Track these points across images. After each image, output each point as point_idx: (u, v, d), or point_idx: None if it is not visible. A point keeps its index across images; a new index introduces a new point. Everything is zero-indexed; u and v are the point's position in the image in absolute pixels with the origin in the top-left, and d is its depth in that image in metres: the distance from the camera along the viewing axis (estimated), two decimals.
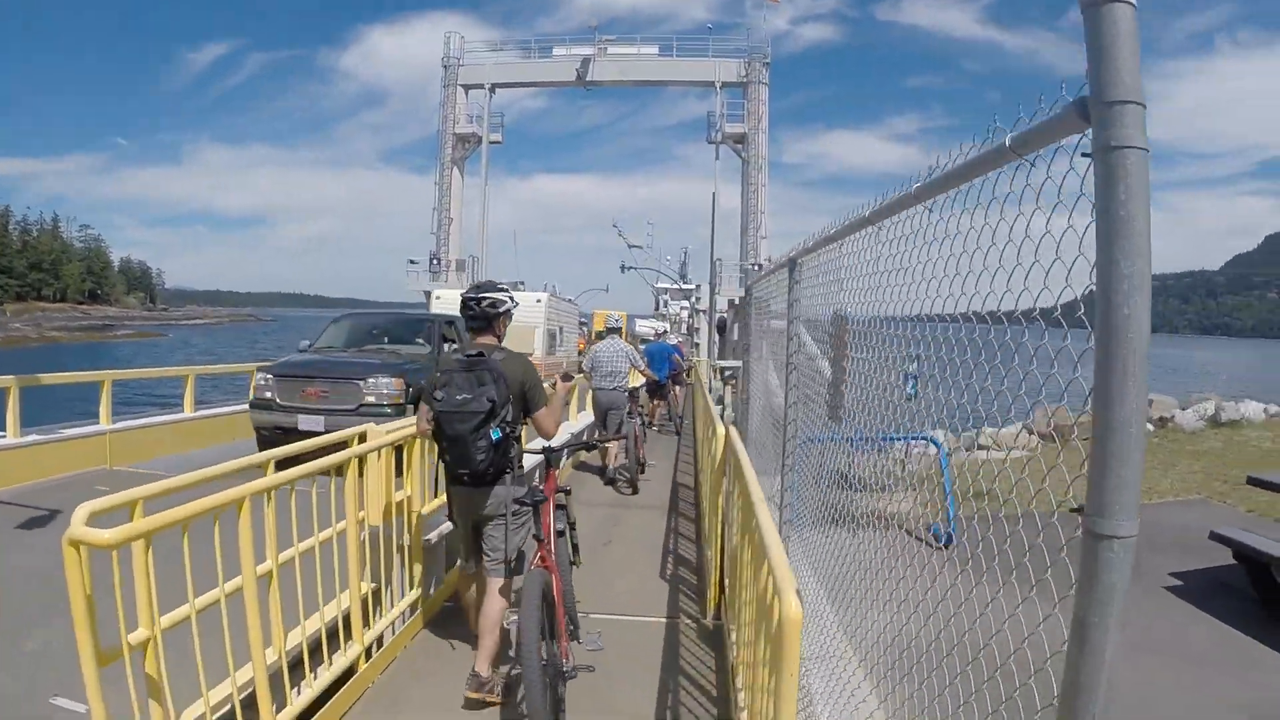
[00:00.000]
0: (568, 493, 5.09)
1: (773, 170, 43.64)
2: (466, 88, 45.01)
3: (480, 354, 4.56)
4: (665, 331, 34.61)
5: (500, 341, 4.78)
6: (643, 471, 11.62)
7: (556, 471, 4.92)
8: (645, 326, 49.95)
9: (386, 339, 12.33)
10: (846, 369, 3.99)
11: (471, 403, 4.40)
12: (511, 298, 4.84)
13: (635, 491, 10.81)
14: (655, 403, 16.88)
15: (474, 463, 4.44)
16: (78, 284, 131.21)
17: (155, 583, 2.95)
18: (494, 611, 4.57)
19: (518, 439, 4.70)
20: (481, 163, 44.95)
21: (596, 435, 11.71)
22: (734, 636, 4.46)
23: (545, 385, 4.84)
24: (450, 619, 5.66)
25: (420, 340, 12.18)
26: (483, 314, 4.70)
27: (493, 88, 44.90)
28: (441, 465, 4.81)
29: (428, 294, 44.58)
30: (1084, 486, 1.42)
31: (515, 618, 4.05)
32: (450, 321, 12.58)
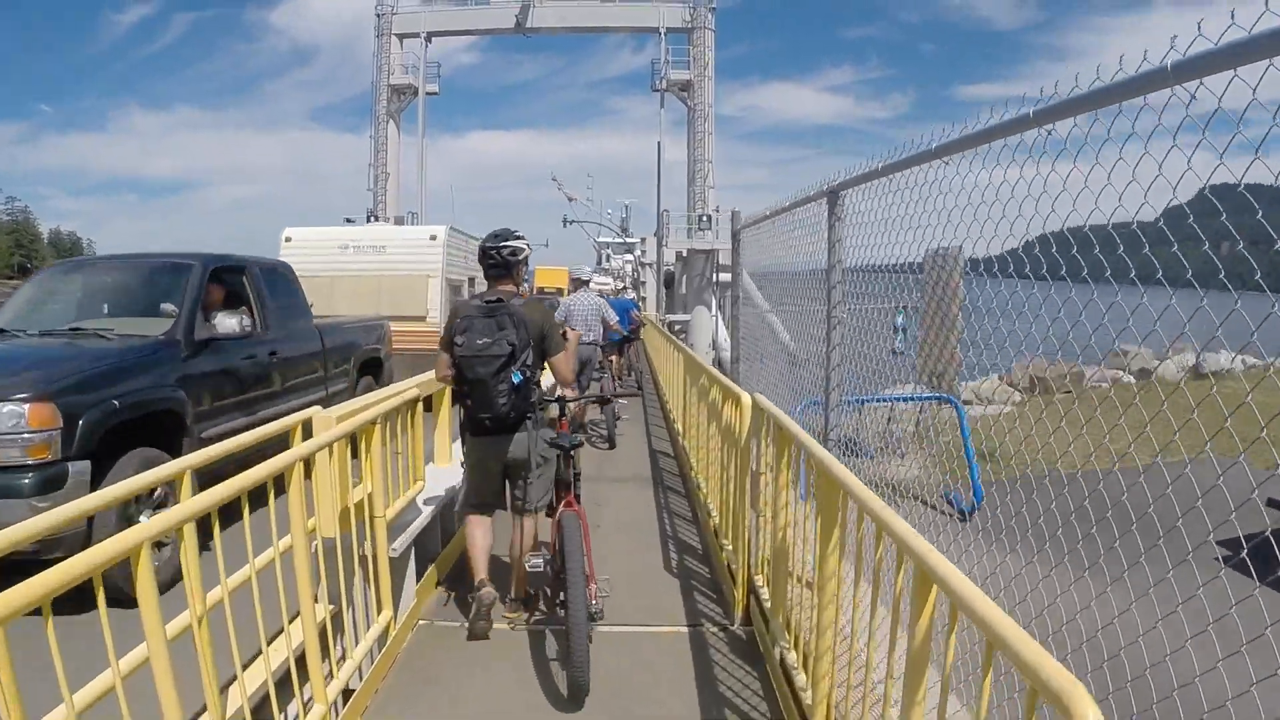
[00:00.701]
0: (580, 443, 5.01)
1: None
2: (401, 37, 43.21)
3: (499, 299, 4.61)
4: (625, 287, 33.69)
5: (518, 289, 4.89)
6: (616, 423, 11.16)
7: (567, 420, 5.14)
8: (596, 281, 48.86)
9: (108, 306, 7.39)
10: (957, 317, 3.19)
11: (492, 346, 4.46)
12: (529, 244, 4.97)
13: (613, 446, 10.59)
14: (618, 359, 16.14)
15: (496, 406, 4.51)
16: (5, 257, 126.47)
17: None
18: (527, 548, 4.76)
19: (537, 384, 4.81)
20: (419, 115, 43.43)
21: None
22: (786, 647, 3.93)
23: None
24: (428, 644, 4.71)
25: (167, 306, 6.92)
26: (503, 261, 4.80)
27: (429, 37, 43.18)
28: (460, 412, 4.83)
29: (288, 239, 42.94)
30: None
31: (538, 561, 4.48)
32: (242, 269, 7.95)
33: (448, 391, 5.74)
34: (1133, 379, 17.39)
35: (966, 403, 16.55)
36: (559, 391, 5.38)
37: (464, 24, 43.63)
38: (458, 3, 43.64)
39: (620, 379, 16.49)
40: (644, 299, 40.21)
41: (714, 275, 41.29)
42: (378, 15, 42.88)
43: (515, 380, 4.50)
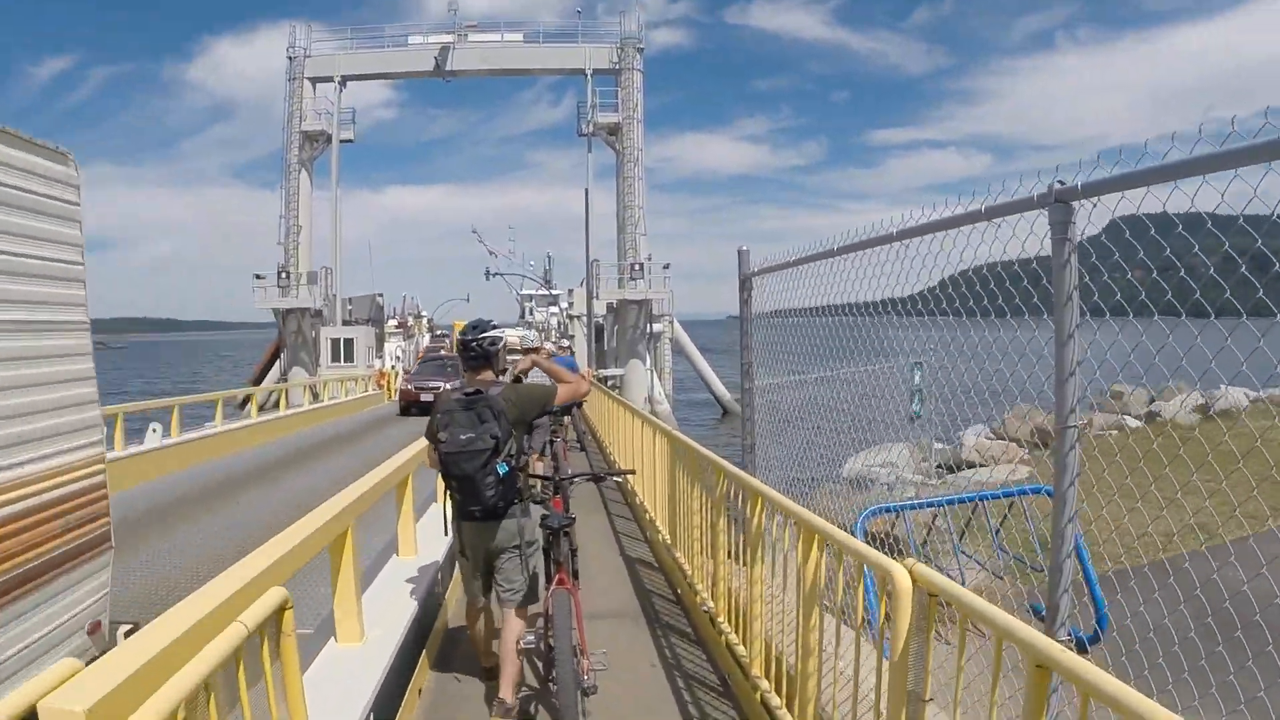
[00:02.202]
0: (572, 520, 5.08)
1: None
2: (314, 80, 41.09)
3: (478, 391, 4.69)
4: (567, 346, 31.97)
5: (497, 376, 4.96)
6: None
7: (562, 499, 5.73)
8: (513, 335, 47.11)
9: None
10: None
11: (476, 441, 4.53)
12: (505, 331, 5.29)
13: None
14: (567, 423, 14.61)
15: (484, 499, 4.59)
16: None
17: None
18: (513, 640, 4.69)
19: (523, 469, 4.80)
20: (332, 164, 41.04)
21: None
22: None
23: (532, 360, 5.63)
24: None
25: None
26: (482, 352, 4.90)
27: (343, 80, 41.11)
28: (450, 503, 4.83)
29: (276, 311, 40.57)
30: None
31: (531, 638, 4.67)
32: None
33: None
34: (1139, 423, 16.09)
35: (969, 464, 14.92)
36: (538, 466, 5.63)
37: (381, 66, 41.69)
38: (373, 44, 41.70)
39: (566, 444, 15.27)
40: (573, 353, 38.23)
41: (648, 326, 39.73)
42: (289, 58, 40.58)
43: (501, 472, 4.57)
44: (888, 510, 5.98)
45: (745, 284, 6.69)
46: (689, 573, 6.56)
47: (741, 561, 5.26)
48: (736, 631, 5.21)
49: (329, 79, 40.86)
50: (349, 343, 37.37)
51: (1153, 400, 20.00)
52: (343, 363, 36.25)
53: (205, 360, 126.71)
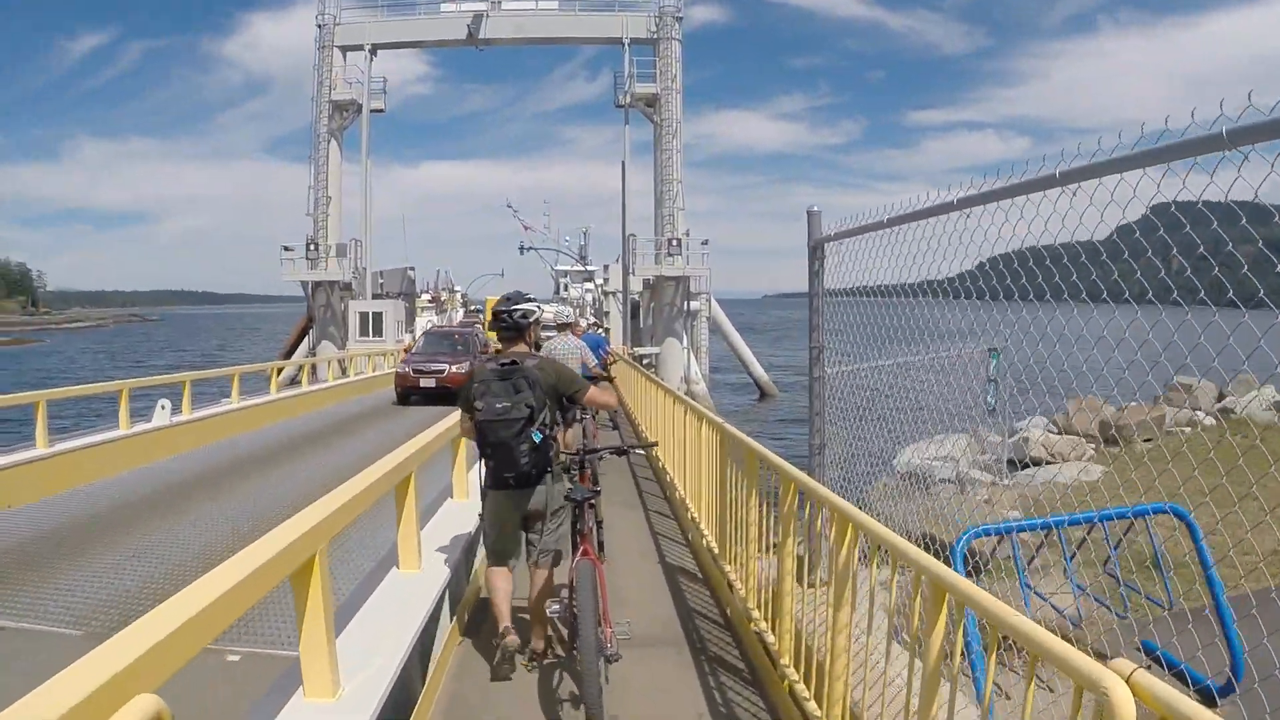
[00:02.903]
0: (598, 492, 5.34)
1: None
2: (344, 49, 40.03)
3: (514, 361, 4.80)
4: (596, 323, 30.93)
5: (531, 348, 5.10)
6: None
7: (589, 473, 5.73)
8: (548, 311, 46.27)
9: None
10: None
11: (511, 410, 4.65)
12: (539, 306, 5.21)
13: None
14: None
15: (519, 466, 4.71)
16: None
17: None
18: (541, 597, 4.93)
19: (554, 439, 4.91)
20: (362, 133, 40.09)
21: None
22: None
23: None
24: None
25: None
26: (514, 324, 5.00)
27: (373, 49, 40.02)
28: (483, 470, 4.91)
29: (305, 284, 39.76)
30: None
31: (557, 606, 4.79)
32: None
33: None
34: (1213, 419, 14.74)
35: (1036, 461, 13.69)
36: (576, 446, 5.82)
37: (412, 35, 40.57)
38: (405, 12, 40.62)
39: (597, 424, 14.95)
40: (607, 330, 37.21)
41: (685, 304, 38.51)
42: (319, 26, 39.61)
43: (535, 439, 4.69)
44: (993, 532, 4.93)
45: (816, 251, 5.60)
46: (741, 592, 5.57)
47: (806, 583, 4.79)
48: (807, 683, 4.19)
49: (359, 47, 39.83)
50: (378, 317, 36.53)
51: (1222, 395, 18.65)
52: (371, 337, 35.48)
53: (238, 333, 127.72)
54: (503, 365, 4.77)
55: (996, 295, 4.12)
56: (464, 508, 6.84)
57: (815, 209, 5.66)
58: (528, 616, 5.19)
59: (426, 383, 20.05)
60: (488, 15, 38.38)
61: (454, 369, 19.79)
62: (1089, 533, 5.04)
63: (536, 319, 5.10)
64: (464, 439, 6.19)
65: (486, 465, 4.85)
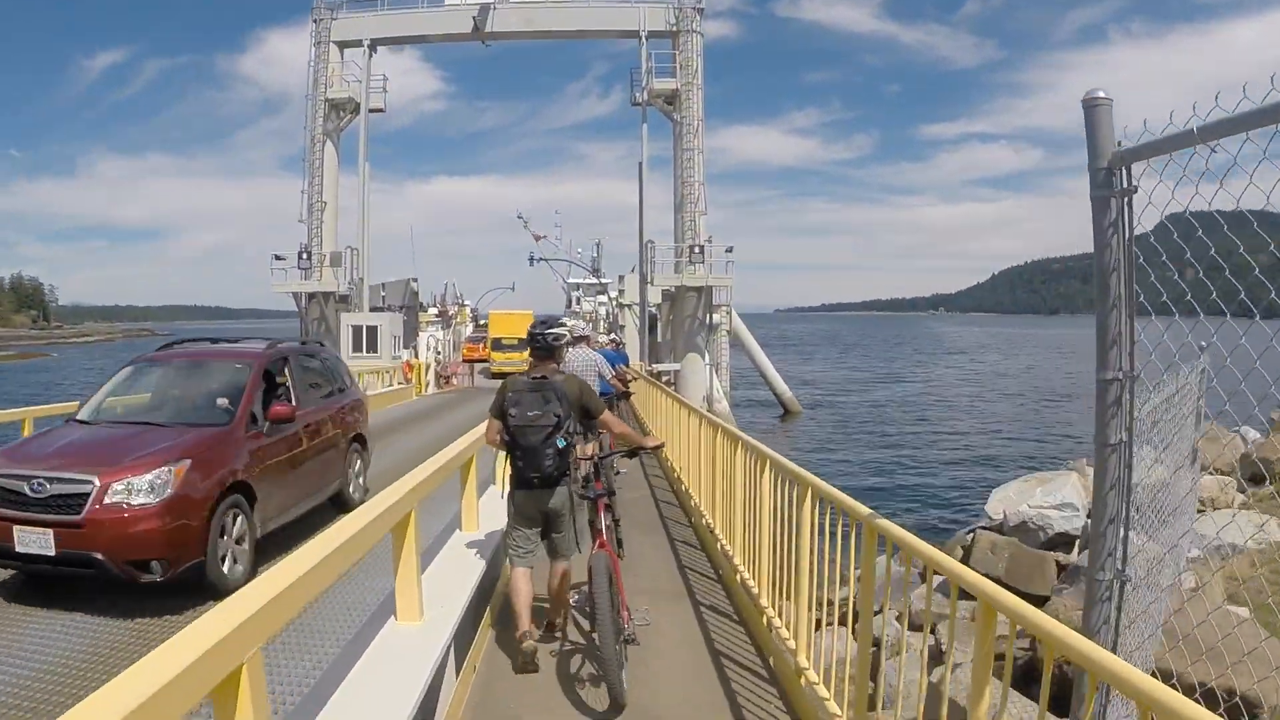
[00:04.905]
0: (613, 494, 6.19)
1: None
2: (342, 45, 37.21)
3: (544, 377, 5.40)
4: (615, 338, 28.00)
5: (558, 366, 5.62)
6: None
7: (604, 475, 6.10)
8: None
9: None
10: None
11: (541, 418, 5.23)
12: (569, 329, 5.96)
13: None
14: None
15: (544, 468, 5.24)
16: None
17: None
18: (564, 585, 5.66)
19: (574, 446, 5.49)
20: (360, 137, 37.22)
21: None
22: None
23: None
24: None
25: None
26: (547, 345, 5.56)
27: (373, 44, 37.24)
28: (510, 472, 5.47)
29: (296, 295, 36.71)
30: None
31: (578, 596, 5.84)
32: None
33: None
34: None
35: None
36: (589, 451, 6.83)
37: (413, 29, 37.73)
38: (407, 6, 37.79)
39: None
40: (623, 344, 34.14)
41: (708, 316, 35.36)
42: (314, 21, 36.91)
43: (560, 445, 5.25)
44: None
45: (1111, 179, 2.61)
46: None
47: None
48: None
49: (357, 43, 37.11)
50: (372, 331, 33.35)
51: None
52: (365, 353, 32.42)
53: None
54: (534, 379, 5.41)
55: None
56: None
57: (1101, 94, 2.68)
58: (548, 604, 5.85)
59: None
60: (495, 7, 35.52)
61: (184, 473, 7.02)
62: None
63: (568, 341, 5.81)
64: (472, 464, 7.01)
65: (513, 468, 5.43)
